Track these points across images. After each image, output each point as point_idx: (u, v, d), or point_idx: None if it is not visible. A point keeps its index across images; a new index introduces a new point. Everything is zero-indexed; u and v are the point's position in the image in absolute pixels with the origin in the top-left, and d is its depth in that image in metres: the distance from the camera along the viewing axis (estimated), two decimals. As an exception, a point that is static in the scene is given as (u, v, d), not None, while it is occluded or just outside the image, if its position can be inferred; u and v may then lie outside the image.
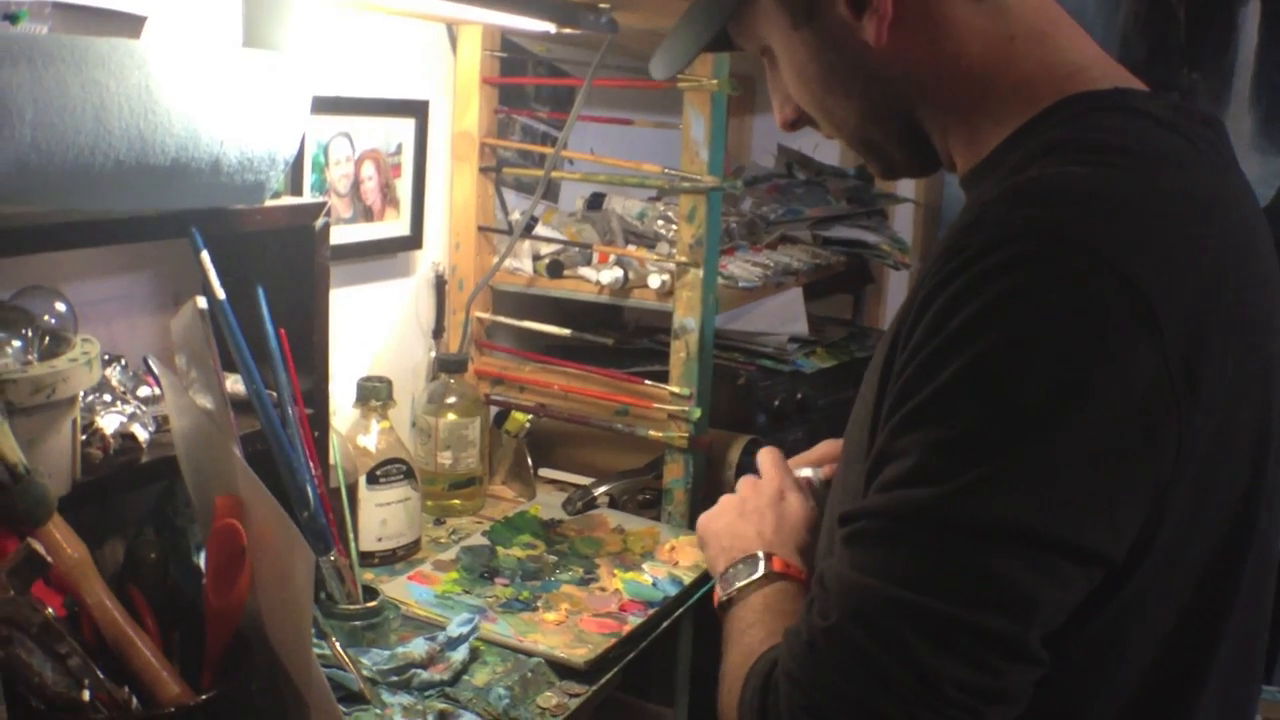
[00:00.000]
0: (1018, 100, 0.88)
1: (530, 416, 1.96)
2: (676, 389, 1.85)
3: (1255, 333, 0.83)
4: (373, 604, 1.40)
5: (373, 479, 1.63)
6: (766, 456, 1.19)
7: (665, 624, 1.55)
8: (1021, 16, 0.90)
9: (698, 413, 1.83)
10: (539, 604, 1.53)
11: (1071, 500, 0.73)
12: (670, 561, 1.68)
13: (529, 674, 1.36)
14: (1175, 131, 0.85)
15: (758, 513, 1.11)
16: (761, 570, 1.03)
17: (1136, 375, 0.73)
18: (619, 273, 1.89)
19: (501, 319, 2.03)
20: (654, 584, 1.61)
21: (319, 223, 1.38)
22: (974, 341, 0.74)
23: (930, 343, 0.76)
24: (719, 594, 1.05)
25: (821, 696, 0.77)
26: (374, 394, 1.67)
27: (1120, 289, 0.73)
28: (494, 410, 2.01)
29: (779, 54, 0.98)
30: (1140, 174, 0.80)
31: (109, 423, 1.19)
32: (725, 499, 1.16)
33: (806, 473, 1.17)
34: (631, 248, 2.00)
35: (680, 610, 1.58)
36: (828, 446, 1.21)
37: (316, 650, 1.08)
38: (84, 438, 1.16)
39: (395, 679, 1.31)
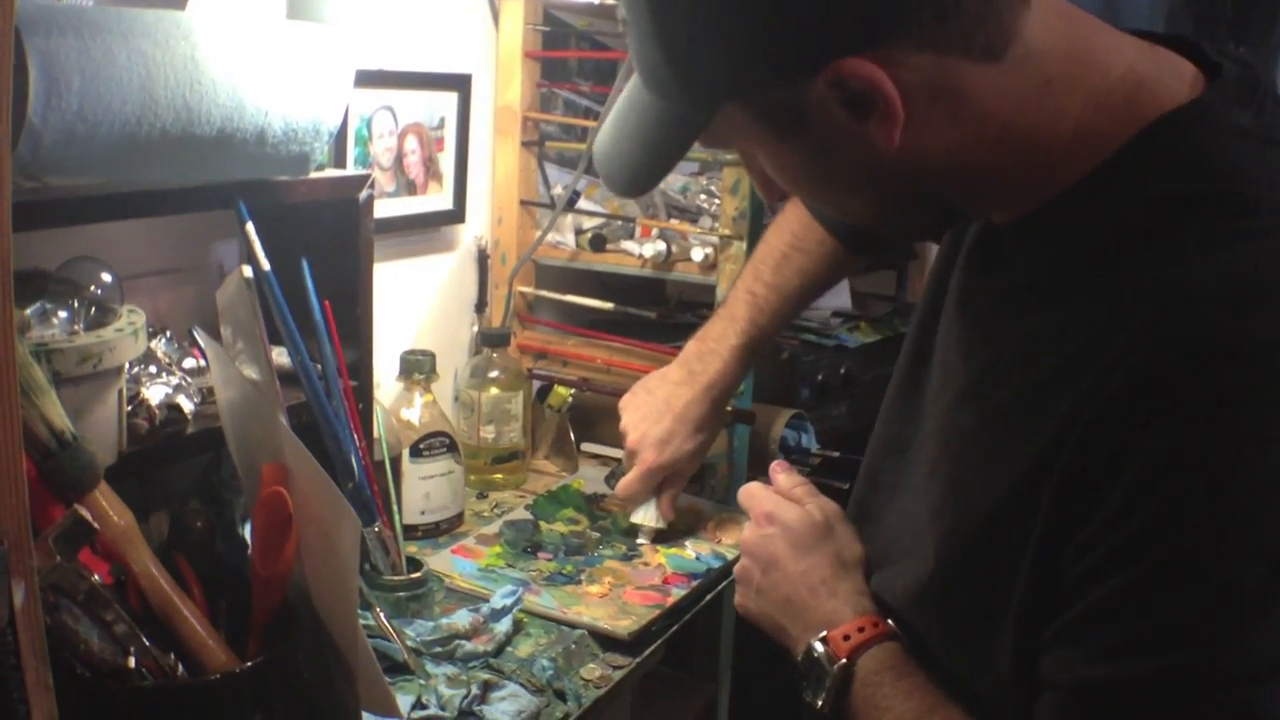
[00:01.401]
0: (1078, 147, 0.79)
1: (573, 391, 1.96)
2: (720, 363, 1.83)
3: None
4: (417, 575, 1.41)
5: (416, 452, 1.63)
6: (782, 475, 1.13)
7: (709, 596, 1.54)
8: (1049, 52, 0.77)
9: (740, 387, 1.82)
10: (582, 577, 1.53)
11: None
12: (714, 538, 1.67)
13: (573, 645, 1.36)
14: (1276, 145, 0.78)
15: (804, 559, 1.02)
16: (829, 670, 0.94)
17: None
18: (661, 246, 1.88)
19: (544, 293, 2.02)
20: (697, 558, 1.60)
21: (363, 195, 1.38)
22: (1210, 496, 0.69)
23: (1149, 500, 0.71)
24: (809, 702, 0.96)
25: None
26: (417, 367, 1.67)
27: None
28: (537, 384, 2.01)
29: (763, 159, 0.87)
30: None
31: (155, 394, 1.20)
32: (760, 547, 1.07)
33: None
34: (674, 221, 1.99)
35: (724, 583, 1.57)
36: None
37: (361, 620, 1.08)
38: (130, 409, 1.17)
39: (439, 650, 1.32)
